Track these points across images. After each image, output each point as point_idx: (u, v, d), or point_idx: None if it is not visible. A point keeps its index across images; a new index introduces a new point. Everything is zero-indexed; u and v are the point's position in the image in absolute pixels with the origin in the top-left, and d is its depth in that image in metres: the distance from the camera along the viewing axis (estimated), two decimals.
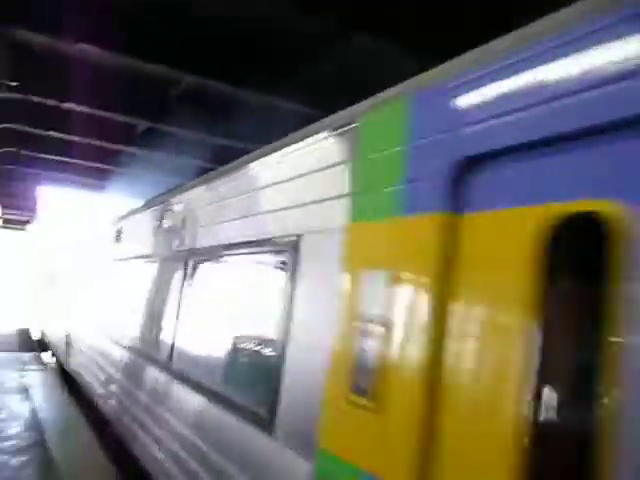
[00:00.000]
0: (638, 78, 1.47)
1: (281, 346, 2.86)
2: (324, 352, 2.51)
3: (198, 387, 3.78)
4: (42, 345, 14.74)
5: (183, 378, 4.09)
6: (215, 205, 4.36)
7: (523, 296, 1.71)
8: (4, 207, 26.94)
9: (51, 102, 11.25)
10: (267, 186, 3.55)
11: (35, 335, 16.89)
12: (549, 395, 1.60)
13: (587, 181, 1.63)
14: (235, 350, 3.65)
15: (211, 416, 3.48)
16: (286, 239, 3.09)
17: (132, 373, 5.48)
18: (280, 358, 2.83)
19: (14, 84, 10.25)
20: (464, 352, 1.88)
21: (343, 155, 2.78)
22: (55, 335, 11.98)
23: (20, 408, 7.47)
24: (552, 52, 1.75)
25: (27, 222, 34.76)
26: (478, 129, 1.95)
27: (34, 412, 7.30)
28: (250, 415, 2.96)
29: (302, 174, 3.12)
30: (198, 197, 4.80)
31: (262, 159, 3.71)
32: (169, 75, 9.55)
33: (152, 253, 5.85)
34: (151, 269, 5.74)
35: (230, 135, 11.38)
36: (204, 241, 4.44)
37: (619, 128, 1.54)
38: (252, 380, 3.25)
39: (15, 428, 6.47)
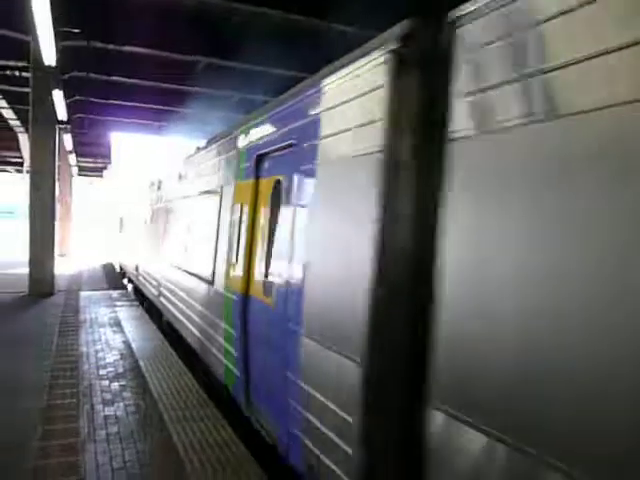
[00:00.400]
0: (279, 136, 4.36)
1: (216, 243, 5.98)
2: (229, 244, 5.47)
3: (187, 271, 7.52)
4: (122, 273, 19.12)
5: (180, 268, 7.99)
6: (196, 170, 7.88)
7: (271, 214, 4.39)
8: (79, 155, 28.12)
9: (112, 47, 11.35)
10: (210, 162, 6.94)
11: (116, 267, 21.54)
12: (268, 251, 4.40)
13: (278, 168, 4.33)
14: (203, 249, 6.64)
15: (192, 283, 7.08)
16: (217, 188, 6.28)
17: (161, 273, 9.83)
18: (216, 249, 5.97)
19: (77, 31, 10.38)
20: (259, 238, 4.68)
21: (233, 149, 5.80)
22: (129, 265, 16.05)
23: (114, 339, 8.09)
24: (275, 117, 4.54)
25: (102, 169, 36.25)
26: (259, 144, 4.84)
27: (127, 342, 7.88)
28: (207, 279, 6.20)
29: (220, 158, 6.39)
30: (193, 163, 8.20)
31: (207, 149, 7.29)
32: (225, 6, 9.36)
33: (170, 198, 9.75)
34: (171, 209, 9.54)
35: (287, 65, 11.14)
36: (190, 189, 8.03)
37: (283, 149, 4.23)
38: (208, 263, 6.23)
39: (112, 357, 7.03)
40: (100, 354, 7.15)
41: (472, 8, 2.33)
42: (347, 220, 3.05)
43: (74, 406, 5.11)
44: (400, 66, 2.71)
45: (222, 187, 6.02)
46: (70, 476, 3.75)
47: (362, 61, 3.09)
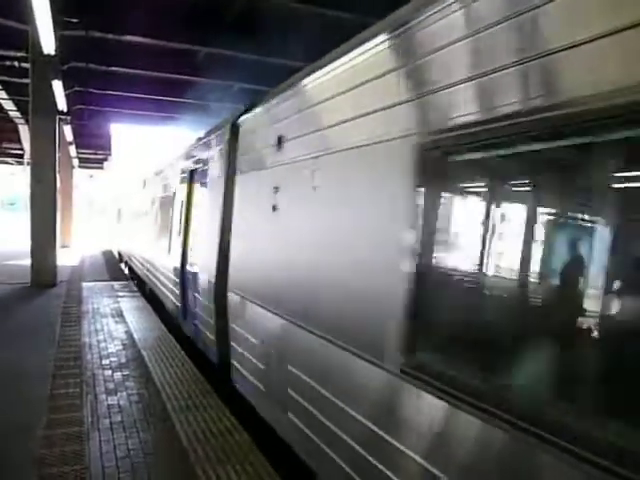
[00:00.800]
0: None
1: (171, 226, 9.25)
2: (176, 226, 8.65)
3: (157, 249, 10.67)
4: (120, 258, 22.05)
5: (154, 247, 11.10)
6: (162, 176, 11.18)
7: (194, 208, 7.75)
8: (79, 147, 28.00)
9: (111, 36, 11.26)
10: (170, 171, 10.09)
11: (115, 253, 24.65)
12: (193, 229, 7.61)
13: (198, 179, 7.45)
14: (164, 232, 9.92)
15: (160, 256, 10.18)
16: (173, 190, 9.41)
17: (144, 253, 13.14)
18: (170, 231, 9.21)
19: (75, 20, 10.29)
20: (189, 222, 7.91)
21: (180, 165, 8.91)
22: (125, 251, 19.69)
23: (117, 329, 8.11)
24: (196, 149, 7.79)
25: (103, 160, 36.13)
26: (191, 163, 7.94)
27: (129, 333, 7.90)
28: (166, 250, 9.31)
29: (174, 169, 9.49)
30: (162, 171, 11.35)
31: (170, 163, 10.38)
32: None
33: (148, 196, 13.36)
34: (150, 205, 12.85)
35: (287, 54, 11.04)
36: (160, 190, 11.17)
37: (199, 168, 7.43)
38: (166, 241, 9.31)
39: (115, 347, 7.05)
40: (103, 344, 7.16)
41: (242, 119, 5.55)
42: (214, 210, 6.13)
43: (77, 395, 5.13)
44: (230, 137, 5.79)
45: (175, 190, 9.25)
46: (75, 464, 3.77)
47: (218, 130, 6.44)
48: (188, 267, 7.54)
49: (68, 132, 20.65)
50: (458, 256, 2.54)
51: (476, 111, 2.23)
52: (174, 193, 9.23)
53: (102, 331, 7.94)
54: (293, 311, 3.86)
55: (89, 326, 8.24)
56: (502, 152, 2.20)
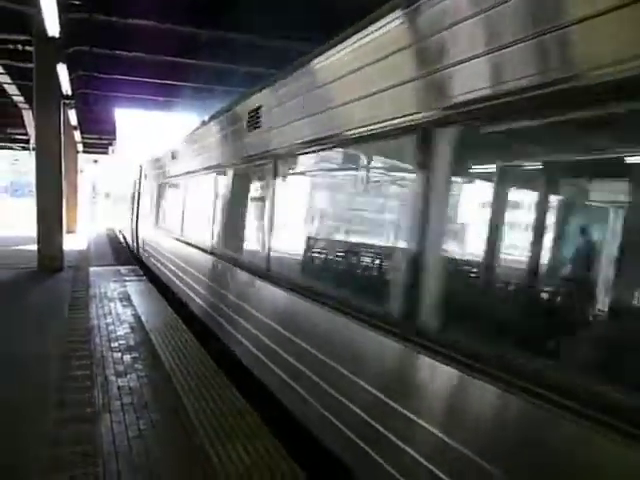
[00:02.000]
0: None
1: (136, 208, 18.12)
2: (134, 208, 18.51)
3: (131, 219, 19.40)
4: (121, 234, 27.73)
5: (130, 219, 19.79)
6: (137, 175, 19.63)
7: (142, 197, 16.96)
8: (84, 132, 27.89)
9: (115, 19, 11.16)
10: (133, 174, 20.38)
11: (116, 230, 31.07)
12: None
13: (139, 182, 17.60)
14: (131, 210, 19.91)
15: (132, 223, 18.86)
16: (135, 185, 18.89)
17: (128, 224, 21.26)
18: (136, 210, 17.84)
19: (78, 3, 10.20)
20: (135, 202, 18.30)
21: (138, 173, 17.83)
22: (123, 228, 25.64)
23: (125, 313, 8.17)
24: (142, 168, 17.59)
25: (107, 145, 36.02)
26: (140, 173, 17.30)
27: (137, 316, 7.95)
28: (133, 220, 18.25)
29: (132, 176, 20.54)
30: (132, 176, 21.62)
31: (133, 173, 21.14)
32: None
33: (127, 187, 24.44)
34: (129, 192, 22.32)
35: (290, 36, 10.92)
36: (134, 184, 19.96)
37: (140, 177, 17.73)
38: (132, 214, 18.95)
39: (123, 330, 7.11)
40: (111, 327, 7.22)
41: (143, 164, 16.45)
42: (136, 196, 17.55)
43: (88, 377, 5.18)
44: (140, 169, 17.02)
45: (133, 186, 18.78)
46: (87, 445, 3.82)
47: (139, 166, 17.36)
48: (132, 225, 17.18)
49: (72, 117, 20.60)
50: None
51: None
52: (134, 189, 18.15)
53: (110, 314, 8.00)
54: (158, 230, 12.15)
55: (97, 310, 8.29)
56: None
